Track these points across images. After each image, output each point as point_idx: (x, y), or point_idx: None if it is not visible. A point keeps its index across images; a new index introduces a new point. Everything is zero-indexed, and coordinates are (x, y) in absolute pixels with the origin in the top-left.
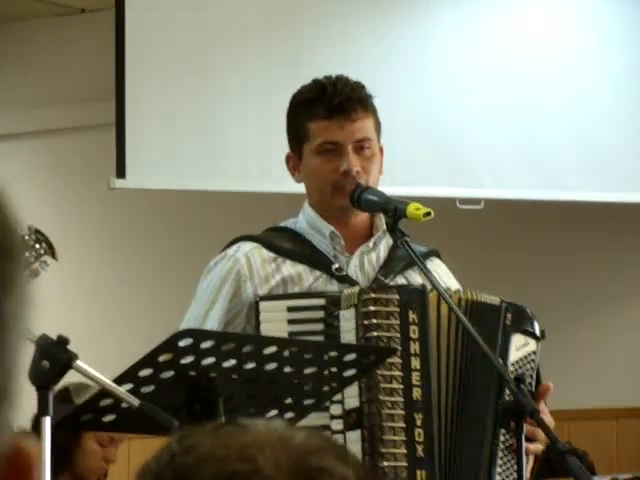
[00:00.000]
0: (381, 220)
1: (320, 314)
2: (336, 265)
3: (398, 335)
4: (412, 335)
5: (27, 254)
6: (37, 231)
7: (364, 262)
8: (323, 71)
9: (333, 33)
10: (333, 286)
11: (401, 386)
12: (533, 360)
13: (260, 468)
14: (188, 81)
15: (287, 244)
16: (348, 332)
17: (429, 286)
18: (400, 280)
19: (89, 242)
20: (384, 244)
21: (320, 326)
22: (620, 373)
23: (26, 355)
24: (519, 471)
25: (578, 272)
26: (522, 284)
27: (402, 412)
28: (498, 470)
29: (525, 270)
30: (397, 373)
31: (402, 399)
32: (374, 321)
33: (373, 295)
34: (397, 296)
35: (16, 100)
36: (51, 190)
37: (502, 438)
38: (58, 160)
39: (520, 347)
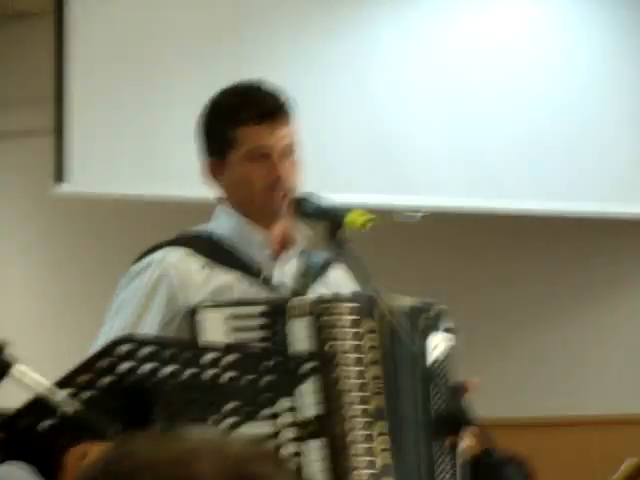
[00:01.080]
0: (295, 229)
1: (260, 322)
2: (265, 273)
3: (357, 343)
4: (370, 343)
5: None
6: None
7: (285, 270)
8: (263, 72)
9: (274, 35)
10: (265, 294)
11: (361, 394)
12: (449, 356)
13: (197, 475)
14: (129, 84)
15: (213, 251)
16: (300, 341)
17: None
18: (319, 287)
19: (32, 249)
20: (295, 252)
21: (260, 334)
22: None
23: None
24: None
25: (514, 282)
26: (460, 292)
27: (364, 420)
28: (438, 472)
29: (463, 279)
30: (357, 381)
31: (363, 407)
32: (331, 330)
33: (329, 304)
34: (352, 304)
35: None
36: None
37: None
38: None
39: (436, 345)
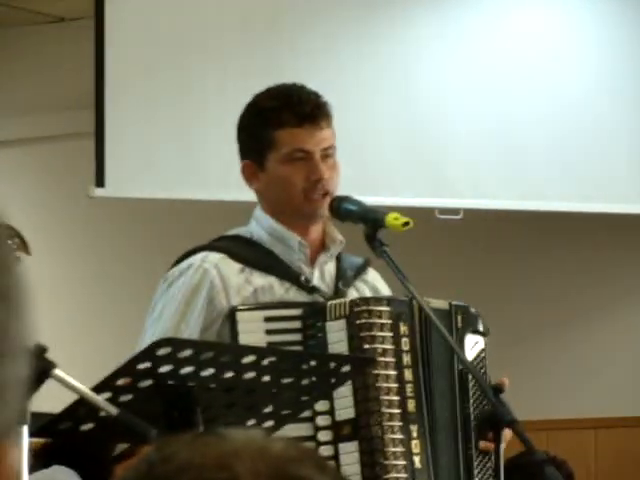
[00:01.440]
0: (334, 230)
1: (298, 324)
2: (304, 276)
3: (392, 347)
4: (404, 347)
5: None
6: (9, 227)
7: (324, 272)
8: (304, 79)
9: (315, 44)
10: (303, 297)
11: (398, 398)
12: (484, 357)
13: (238, 477)
14: (168, 89)
15: (251, 254)
16: (337, 343)
17: (376, 294)
18: (352, 291)
19: (69, 251)
20: (334, 254)
21: (298, 336)
22: (601, 383)
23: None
24: (497, 477)
25: (556, 282)
26: (501, 294)
27: (399, 424)
28: (475, 473)
29: (504, 281)
30: (393, 385)
31: (399, 411)
32: (368, 333)
33: (366, 307)
34: (389, 308)
35: None
36: (31, 199)
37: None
38: (38, 168)
39: (472, 346)
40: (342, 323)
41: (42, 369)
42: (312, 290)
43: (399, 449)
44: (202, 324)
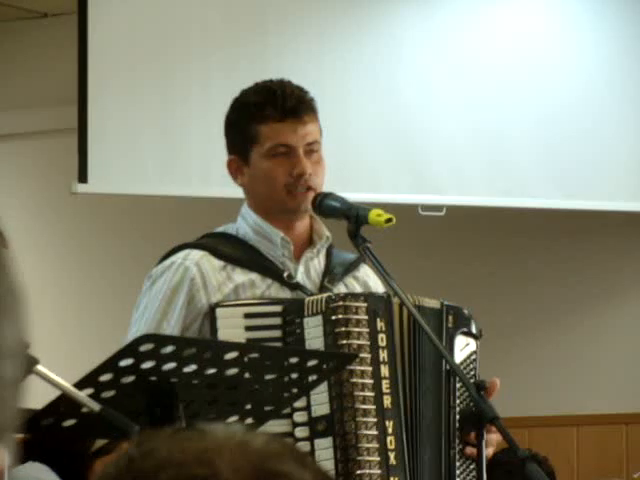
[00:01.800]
0: (321, 226)
1: (278, 320)
2: (287, 272)
3: (368, 343)
4: (380, 343)
5: None
6: None
7: (310, 268)
8: (285, 73)
9: (298, 40)
10: (285, 293)
11: (372, 394)
12: (475, 360)
13: (218, 472)
14: (150, 85)
15: (234, 251)
16: (314, 339)
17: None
18: (341, 287)
19: (52, 246)
20: (322, 250)
21: (278, 332)
22: (581, 380)
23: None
24: (479, 477)
25: (540, 280)
26: (483, 291)
27: (374, 419)
28: (457, 473)
29: (486, 277)
30: (368, 381)
31: (374, 407)
32: (344, 329)
33: (342, 303)
34: (365, 304)
35: None
36: (14, 194)
37: (459, 445)
38: (21, 164)
39: (463, 348)
40: (319, 319)
41: (24, 365)
42: (295, 287)
43: (373, 445)
44: (183, 322)
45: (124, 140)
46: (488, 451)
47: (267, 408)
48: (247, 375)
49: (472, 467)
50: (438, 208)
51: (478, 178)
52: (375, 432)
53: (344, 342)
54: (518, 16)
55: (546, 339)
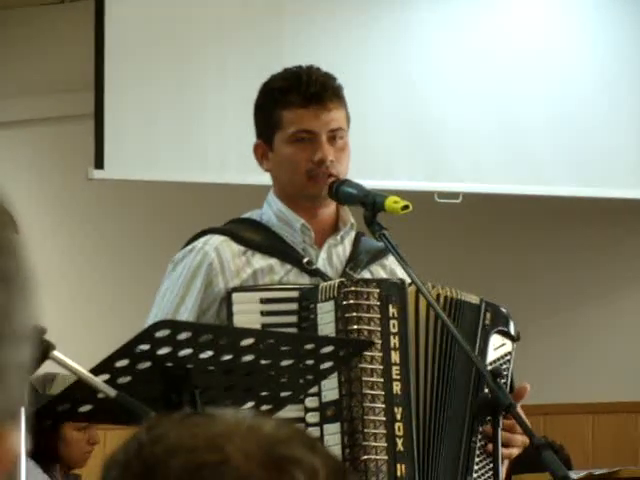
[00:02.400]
0: (347, 213)
1: (294, 306)
2: (307, 258)
3: (379, 329)
4: (392, 329)
5: None
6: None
7: (332, 255)
8: (302, 60)
9: (314, 29)
10: (304, 279)
11: (381, 380)
12: (509, 361)
13: (229, 458)
14: (167, 72)
15: (256, 237)
16: (327, 324)
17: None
18: (365, 274)
19: (68, 232)
20: (349, 238)
21: (294, 318)
22: (597, 369)
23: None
24: (495, 466)
25: (555, 267)
26: (500, 278)
27: (382, 406)
28: (475, 467)
29: (503, 264)
30: (378, 367)
31: (383, 393)
32: (354, 314)
33: (354, 288)
34: (378, 290)
35: None
36: (31, 180)
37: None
38: (38, 150)
39: (497, 347)
40: (331, 304)
41: (41, 350)
42: (314, 273)
43: (380, 431)
44: (199, 307)
45: (140, 126)
46: (512, 451)
47: (283, 394)
48: (263, 361)
49: (488, 459)
50: (454, 195)
51: (494, 165)
52: (383, 418)
53: (354, 327)
54: (535, 4)
55: (563, 326)
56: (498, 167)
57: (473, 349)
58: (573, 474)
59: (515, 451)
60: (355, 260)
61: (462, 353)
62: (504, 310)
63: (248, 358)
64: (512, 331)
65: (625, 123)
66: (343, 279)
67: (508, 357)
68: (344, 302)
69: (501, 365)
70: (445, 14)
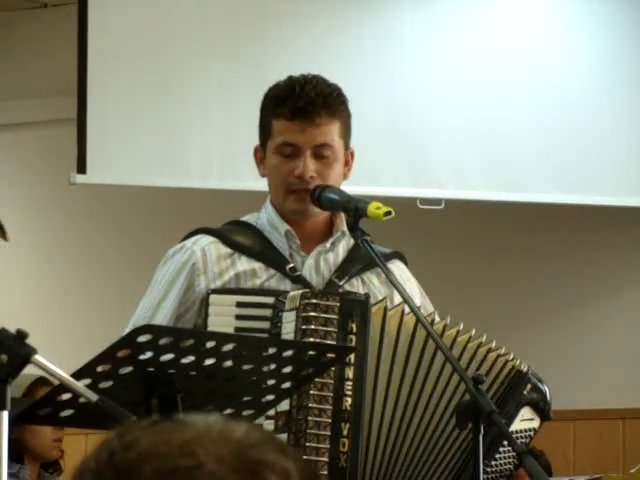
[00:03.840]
0: (342, 220)
1: (268, 312)
2: (291, 265)
3: (334, 343)
4: (349, 344)
5: None
6: None
7: (320, 262)
8: (285, 68)
9: (298, 33)
10: (286, 286)
11: (331, 394)
12: (530, 436)
13: (202, 463)
14: (151, 77)
15: (245, 240)
16: (288, 334)
17: (389, 288)
18: (356, 282)
19: (50, 236)
20: (343, 245)
21: (266, 324)
22: (579, 375)
23: None
24: (476, 472)
25: (537, 274)
26: (481, 284)
27: (329, 420)
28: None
29: (485, 270)
30: (329, 381)
31: (331, 407)
32: (312, 326)
33: (315, 300)
34: (338, 304)
35: None
36: (13, 184)
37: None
38: (20, 154)
39: (525, 419)
40: (293, 315)
41: (23, 355)
42: (296, 280)
43: (323, 446)
44: (179, 304)
45: (123, 131)
46: None
47: (265, 400)
48: (245, 367)
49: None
50: (437, 202)
51: (477, 172)
52: (328, 433)
53: (310, 340)
54: (519, 12)
55: (543, 334)
56: (481, 174)
57: (502, 411)
58: None
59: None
60: (344, 268)
61: (444, 377)
62: (546, 388)
63: (230, 363)
64: (546, 410)
65: (609, 130)
66: (306, 290)
67: (531, 433)
68: (304, 314)
69: (521, 437)
70: (429, 20)
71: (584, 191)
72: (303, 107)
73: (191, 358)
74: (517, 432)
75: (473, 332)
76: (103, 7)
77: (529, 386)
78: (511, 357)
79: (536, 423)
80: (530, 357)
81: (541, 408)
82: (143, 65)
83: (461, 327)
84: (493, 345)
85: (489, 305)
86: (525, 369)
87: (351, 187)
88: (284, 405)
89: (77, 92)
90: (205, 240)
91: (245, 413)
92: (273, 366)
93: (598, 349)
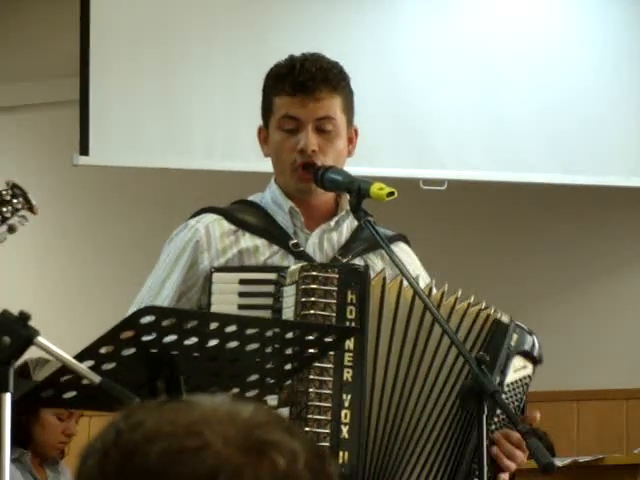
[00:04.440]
0: (346, 200)
1: (271, 288)
2: (294, 241)
3: (334, 315)
4: (348, 315)
5: (4, 209)
6: (15, 185)
7: (323, 241)
8: (288, 47)
9: (299, 10)
10: (289, 262)
11: (331, 366)
12: (527, 384)
13: (209, 443)
14: (152, 58)
15: (249, 217)
16: (288, 308)
17: (393, 269)
18: (359, 262)
19: (54, 218)
20: (347, 225)
21: (269, 300)
22: (582, 356)
23: None
24: (480, 454)
25: (540, 254)
26: (484, 266)
27: (330, 392)
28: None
29: (487, 251)
30: (329, 353)
31: (331, 379)
32: (311, 299)
33: (313, 272)
34: (337, 275)
35: None
36: (16, 166)
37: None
38: (23, 136)
39: (518, 369)
40: (293, 288)
41: (25, 337)
42: (300, 255)
43: (325, 417)
44: (183, 282)
45: (125, 112)
46: (511, 465)
47: (270, 380)
48: (248, 347)
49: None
50: (439, 182)
51: (479, 153)
52: (329, 404)
53: (310, 312)
54: None
55: (546, 314)
56: (483, 154)
57: (494, 367)
58: (557, 461)
59: (513, 466)
60: (348, 247)
61: (443, 349)
62: (532, 334)
63: (233, 344)
64: (535, 354)
65: (616, 110)
66: (305, 263)
67: (527, 380)
68: (303, 286)
69: (518, 387)
70: (432, 3)
71: (587, 171)
72: (304, 82)
73: (194, 339)
74: (513, 383)
75: (472, 299)
76: None
77: (515, 336)
78: (492, 310)
79: (529, 370)
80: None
81: (531, 354)
82: (145, 46)
83: (459, 294)
84: (472, 300)
85: (492, 286)
86: (507, 320)
87: (354, 168)
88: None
89: (79, 73)
90: (209, 218)
91: (249, 394)
92: (276, 346)
93: (602, 330)
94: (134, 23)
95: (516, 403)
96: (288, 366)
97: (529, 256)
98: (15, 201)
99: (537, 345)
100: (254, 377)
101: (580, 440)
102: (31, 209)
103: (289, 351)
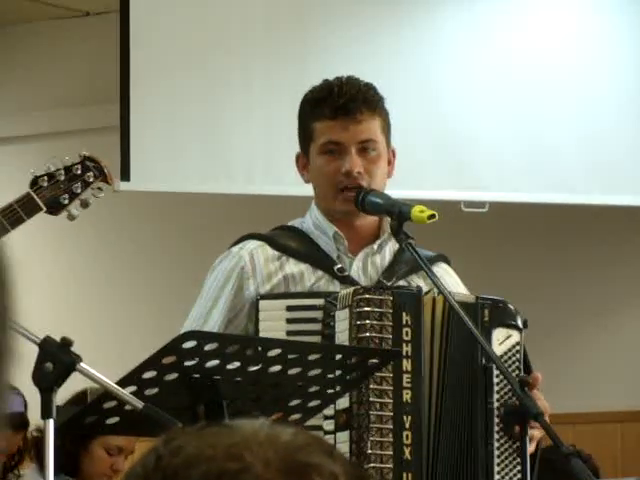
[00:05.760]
0: (387, 223)
1: (318, 314)
2: (338, 265)
3: (390, 337)
4: (405, 337)
5: (75, 185)
6: (87, 158)
7: (367, 264)
8: (327, 71)
9: (338, 33)
10: (335, 287)
11: (391, 388)
12: (518, 351)
13: (249, 466)
14: (192, 83)
15: (292, 243)
16: (342, 332)
17: (434, 290)
18: (403, 284)
19: (94, 245)
20: (390, 248)
21: (318, 326)
22: (623, 376)
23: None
24: (523, 473)
25: (583, 275)
26: (527, 287)
27: (391, 414)
28: (498, 470)
29: (529, 273)
30: (388, 375)
31: (391, 401)
32: (367, 322)
33: (367, 295)
34: (391, 297)
35: (20, 103)
36: None
37: (502, 441)
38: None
39: (502, 341)
40: (346, 312)
41: (67, 363)
42: (345, 280)
43: (387, 439)
44: (230, 309)
45: (166, 138)
46: (531, 447)
47: (311, 404)
48: (291, 372)
49: (516, 463)
50: (481, 204)
51: (520, 174)
52: (390, 426)
53: (366, 335)
54: (566, 12)
55: (589, 332)
56: (524, 175)
57: (474, 347)
58: None
59: (533, 446)
60: (391, 270)
61: (463, 356)
62: (506, 303)
63: (275, 368)
64: (518, 321)
65: None
66: (358, 287)
67: (517, 347)
68: (357, 310)
69: (510, 357)
70: (473, 24)
71: (628, 192)
72: (344, 105)
73: (236, 364)
74: (504, 355)
75: None
76: (144, 15)
77: (486, 312)
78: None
79: (516, 336)
80: (579, 359)
81: (511, 322)
82: (185, 71)
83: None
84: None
85: (532, 307)
86: (471, 300)
87: (394, 191)
88: (343, 402)
89: (119, 99)
90: (252, 244)
91: (292, 418)
92: (319, 371)
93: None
94: (173, 48)
95: (516, 372)
96: (330, 390)
97: (571, 277)
98: (87, 175)
99: (515, 312)
100: (297, 401)
101: (624, 461)
102: (105, 180)
103: (331, 375)
